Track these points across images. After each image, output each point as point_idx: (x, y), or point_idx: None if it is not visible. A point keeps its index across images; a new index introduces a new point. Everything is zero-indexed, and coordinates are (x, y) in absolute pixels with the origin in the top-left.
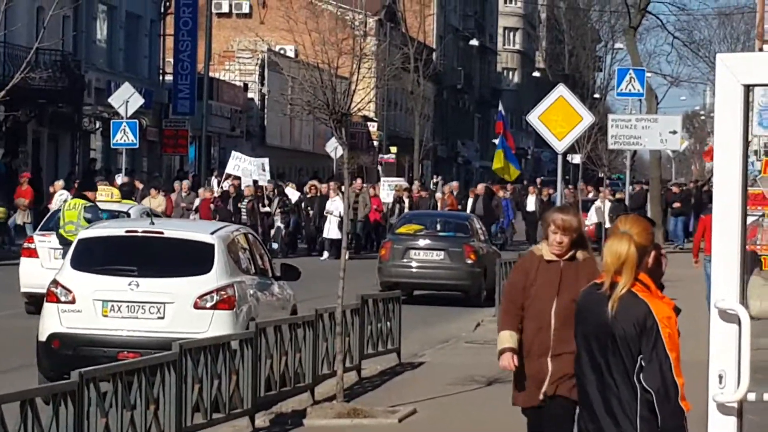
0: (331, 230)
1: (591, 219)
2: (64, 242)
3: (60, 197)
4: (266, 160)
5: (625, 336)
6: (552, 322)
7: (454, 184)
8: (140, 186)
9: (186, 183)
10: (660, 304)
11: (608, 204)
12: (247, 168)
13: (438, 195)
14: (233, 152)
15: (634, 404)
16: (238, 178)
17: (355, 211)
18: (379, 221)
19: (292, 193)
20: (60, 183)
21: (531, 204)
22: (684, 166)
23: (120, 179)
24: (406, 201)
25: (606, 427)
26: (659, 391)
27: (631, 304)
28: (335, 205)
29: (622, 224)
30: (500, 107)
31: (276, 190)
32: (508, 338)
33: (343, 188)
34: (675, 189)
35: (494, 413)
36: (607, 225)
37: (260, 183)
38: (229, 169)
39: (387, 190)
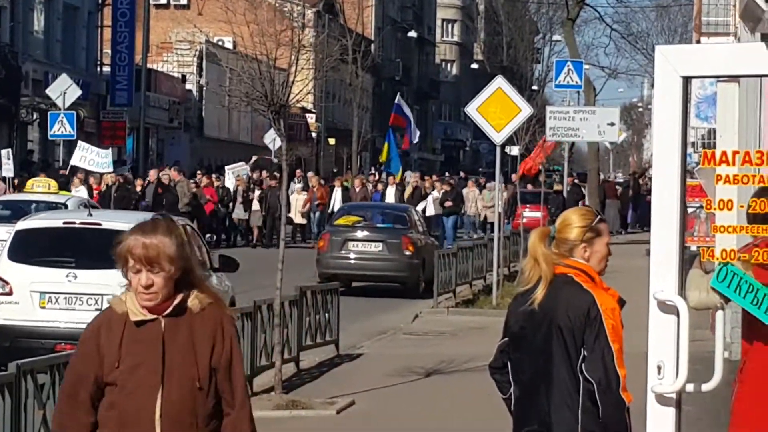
0: None
1: (429, 211)
2: None
3: None
4: (109, 151)
5: (570, 327)
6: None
7: (311, 175)
8: None
9: None
10: (605, 296)
11: (437, 195)
12: (93, 159)
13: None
14: (79, 142)
15: (576, 396)
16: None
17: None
18: (216, 212)
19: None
20: None
21: (390, 196)
22: (622, 158)
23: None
24: (257, 192)
25: (549, 420)
26: (600, 381)
27: (576, 295)
28: None
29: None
30: (398, 99)
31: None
32: None
33: (90, 181)
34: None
35: (432, 404)
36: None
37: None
38: (74, 160)
39: (231, 177)
